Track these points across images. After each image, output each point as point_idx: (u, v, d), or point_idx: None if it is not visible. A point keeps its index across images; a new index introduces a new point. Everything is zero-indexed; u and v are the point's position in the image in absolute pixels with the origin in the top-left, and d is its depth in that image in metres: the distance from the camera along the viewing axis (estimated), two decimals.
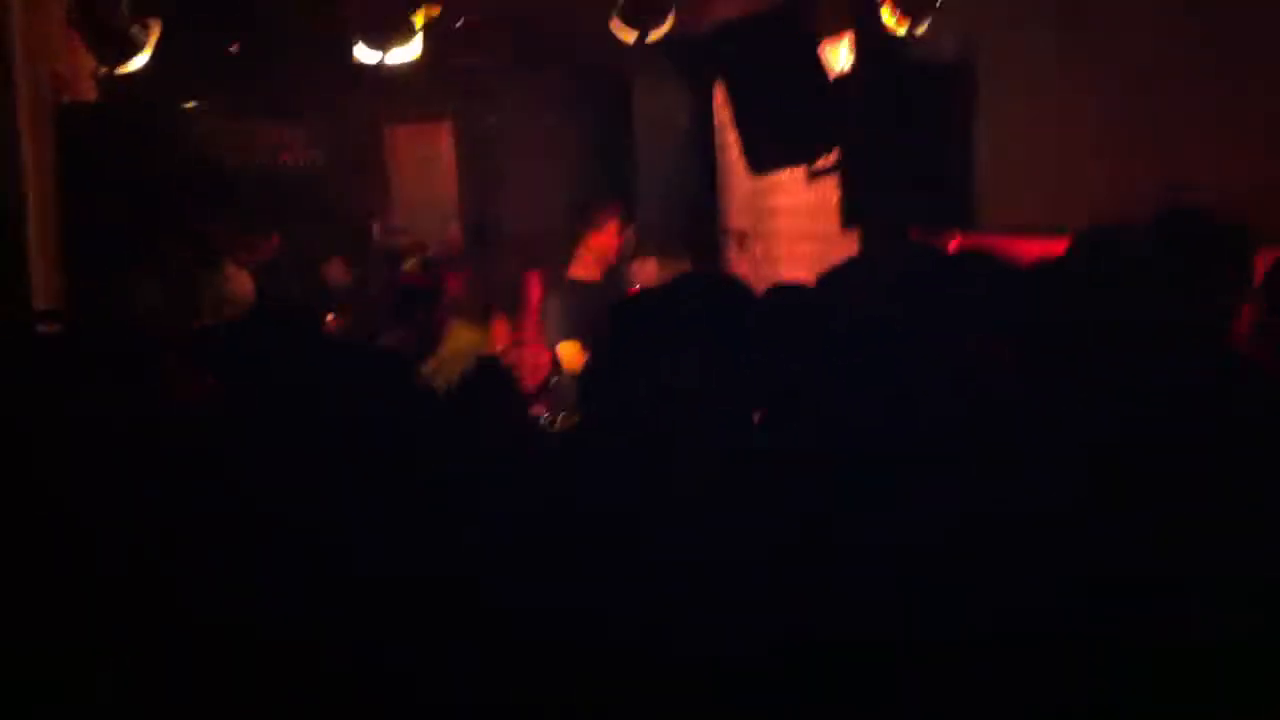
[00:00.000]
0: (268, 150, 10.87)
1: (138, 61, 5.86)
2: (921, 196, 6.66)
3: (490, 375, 3.45)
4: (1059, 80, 6.08)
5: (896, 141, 6.65)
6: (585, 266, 6.50)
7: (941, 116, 6.66)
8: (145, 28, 5.81)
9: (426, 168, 11.32)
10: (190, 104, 6.53)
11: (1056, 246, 4.77)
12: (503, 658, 2.19)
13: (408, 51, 5.98)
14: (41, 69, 5.99)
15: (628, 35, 6.06)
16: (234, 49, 9.19)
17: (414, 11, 5.88)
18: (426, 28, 6.11)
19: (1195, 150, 5.16)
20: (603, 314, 5.99)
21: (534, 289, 7.90)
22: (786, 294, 3.62)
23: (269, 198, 10.16)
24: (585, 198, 6.94)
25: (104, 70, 5.99)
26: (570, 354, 6.25)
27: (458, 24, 8.50)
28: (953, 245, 6.66)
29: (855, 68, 7.67)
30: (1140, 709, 2.04)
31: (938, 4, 6.01)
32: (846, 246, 7.30)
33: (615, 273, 6.64)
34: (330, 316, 6.84)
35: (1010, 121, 6.51)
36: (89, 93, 6.72)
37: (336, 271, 8.98)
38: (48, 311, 5.69)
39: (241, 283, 6.97)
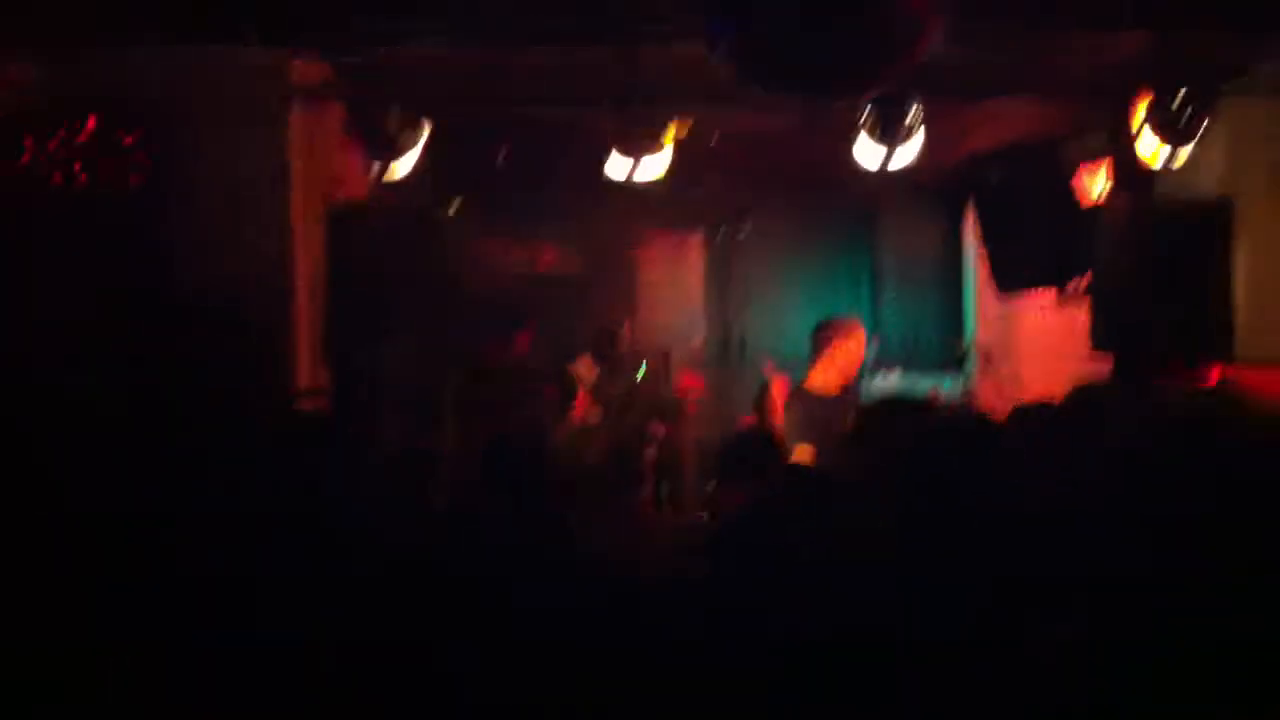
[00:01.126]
0: (526, 254, 11.26)
1: (406, 165, 6.19)
2: (1177, 326, 6.45)
3: None
4: None
5: (1152, 269, 6.46)
6: (824, 379, 6.51)
7: (1200, 248, 6.45)
8: (415, 133, 6.14)
9: (676, 278, 11.53)
10: (452, 209, 6.81)
11: None
12: None
13: (656, 167, 6.14)
14: (318, 169, 6.40)
15: (872, 162, 6.06)
16: (501, 158, 9.65)
17: (664, 129, 6.05)
18: (677, 144, 6.26)
19: None
20: (837, 423, 6.04)
21: (779, 395, 7.91)
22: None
23: (525, 300, 10.55)
24: (828, 314, 6.94)
25: (375, 172, 6.34)
26: (806, 458, 6.25)
27: (711, 142, 8.71)
28: (1213, 377, 6.42)
29: (1110, 194, 7.52)
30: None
31: (1197, 137, 5.82)
32: (1095, 370, 7.11)
33: (851, 386, 6.61)
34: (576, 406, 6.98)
35: (1271, 258, 6.29)
36: (361, 194, 7.14)
37: (584, 369, 9.22)
38: (310, 390, 6.05)
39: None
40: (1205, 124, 5.78)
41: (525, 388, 6.76)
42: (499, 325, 7.58)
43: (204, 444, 3.18)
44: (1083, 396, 4.50)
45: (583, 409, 6.53)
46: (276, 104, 5.91)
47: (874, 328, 10.84)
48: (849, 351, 6.52)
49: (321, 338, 6.43)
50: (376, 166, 6.18)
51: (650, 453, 8.42)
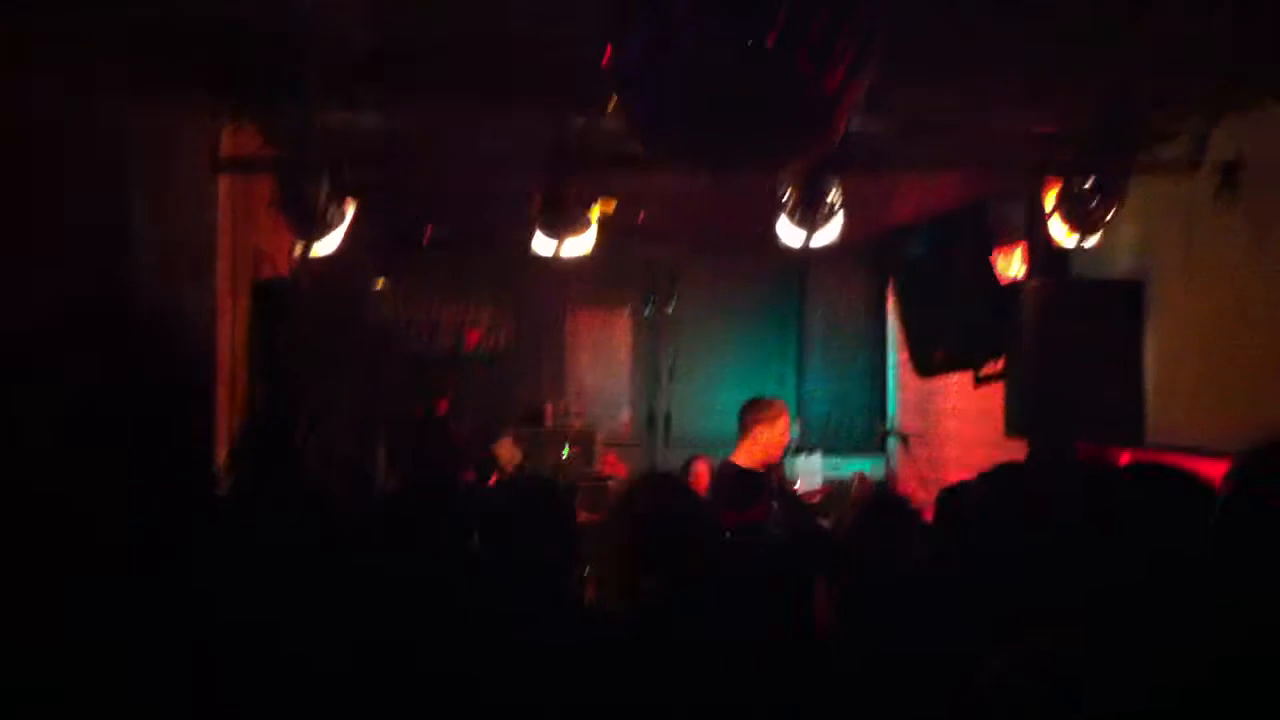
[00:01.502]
0: (452, 331, 11.29)
1: (333, 241, 6.19)
2: (1090, 409, 6.56)
3: None
4: (1233, 301, 6.00)
5: (1065, 352, 6.59)
6: (748, 458, 6.60)
7: (1112, 330, 6.60)
8: (342, 210, 6.15)
9: (602, 354, 11.60)
10: (380, 284, 6.84)
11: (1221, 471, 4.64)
12: None
13: (582, 245, 6.20)
14: (245, 244, 6.40)
15: (794, 241, 6.17)
16: (428, 232, 9.70)
17: (589, 207, 6.11)
18: (602, 222, 6.33)
19: None
20: (758, 502, 6.10)
21: (702, 476, 7.99)
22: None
23: (451, 376, 10.56)
24: (754, 396, 7.04)
25: (302, 249, 6.33)
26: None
27: (639, 219, 8.82)
28: (1122, 461, 6.54)
29: (1026, 277, 7.69)
30: None
31: (1109, 218, 5.99)
32: (1013, 453, 7.22)
33: (775, 466, 6.69)
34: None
35: (1182, 339, 6.42)
36: (286, 269, 7.14)
37: (506, 451, 9.19)
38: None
39: None
40: (1112, 213, 5.95)
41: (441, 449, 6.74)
42: (423, 399, 7.58)
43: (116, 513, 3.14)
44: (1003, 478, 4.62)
45: None
46: (206, 175, 5.90)
47: (798, 408, 10.99)
48: (772, 433, 6.62)
49: (244, 418, 6.40)
50: (303, 241, 6.16)
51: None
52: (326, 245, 6.19)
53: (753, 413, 6.72)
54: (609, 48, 3.23)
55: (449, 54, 5.33)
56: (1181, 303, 6.40)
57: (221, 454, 6.04)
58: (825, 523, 6.74)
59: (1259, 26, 4.63)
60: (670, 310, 10.82)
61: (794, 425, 7.65)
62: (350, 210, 6.24)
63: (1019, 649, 2.45)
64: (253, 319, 6.50)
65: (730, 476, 6.58)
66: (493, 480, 6.41)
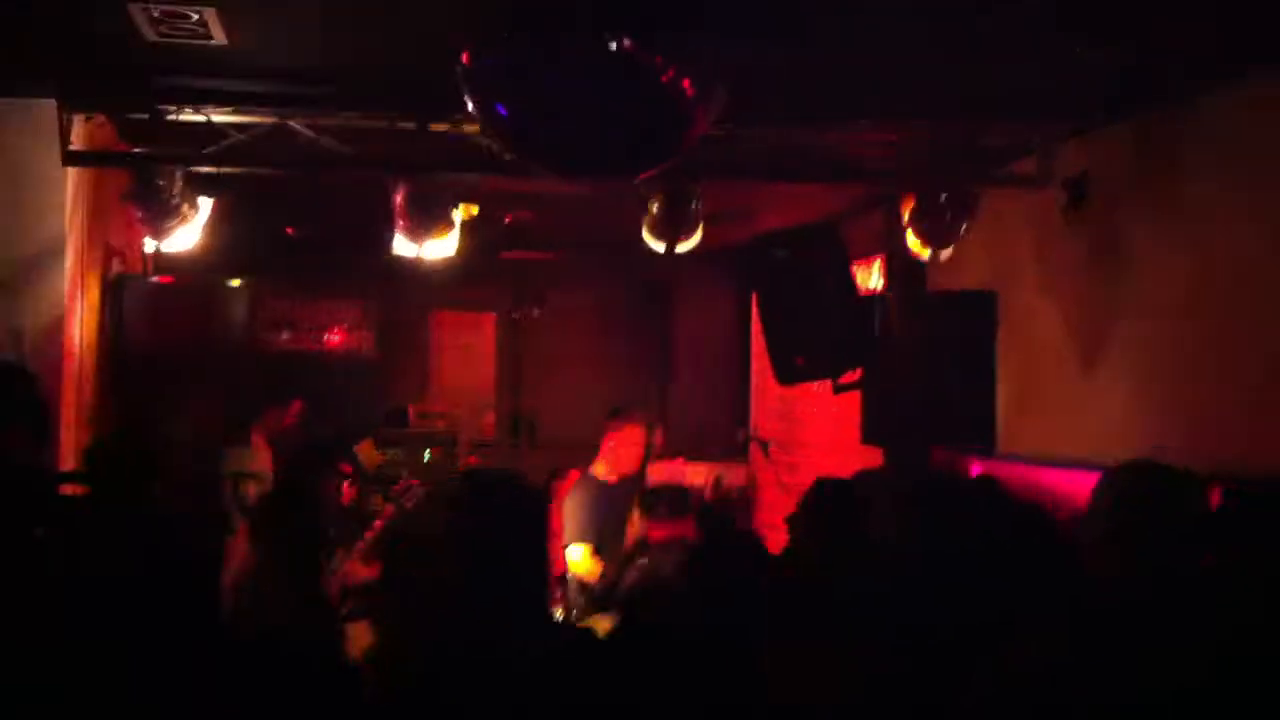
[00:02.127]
0: (313, 330, 11.15)
1: (188, 238, 6.08)
2: (943, 418, 6.70)
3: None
4: (1079, 313, 6.19)
5: (920, 362, 6.72)
6: (606, 467, 6.62)
7: (966, 340, 6.74)
8: (197, 206, 6.04)
9: (467, 356, 11.54)
10: (238, 282, 6.72)
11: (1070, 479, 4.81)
12: None
13: (445, 247, 6.16)
14: (95, 240, 6.24)
15: (658, 245, 6.24)
16: (288, 231, 9.56)
17: (452, 209, 6.08)
18: (469, 225, 6.31)
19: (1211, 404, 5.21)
20: (617, 511, 6.10)
21: (565, 486, 7.98)
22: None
23: (311, 376, 10.41)
24: (617, 403, 7.06)
25: (156, 245, 6.21)
26: (578, 556, 6.33)
27: (507, 220, 8.81)
28: (973, 470, 6.70)
29: (884, 289, 7.84)
30: None
31: (962, 233, 6.14)
32: (868, 460, 7.34)
33: (634, 475, 6.70)
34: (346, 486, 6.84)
35: (1033, 350, 6.60)
36: (138, 266, 6.98)
37: (367, 452, 9.07)
38: (73, 473, 5.81)
39: (262, 459, 7.07)
40: (965, 227, 6.10)
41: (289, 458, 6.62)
42: (278, 399, 7.43)
43: None
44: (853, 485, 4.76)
45: (348, 494, 6.43)
46: (56, 166, 5.75)
47: (662, 414, 11.05)
48: (628, 443, 6.64)
49: (93, 413, 6.23)
50: (158, 236, 6.04)
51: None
52: (182, 241, 6.08)
53: (609, 423, 6.74)
54: (469, 53, 3.24)
55: (319, 59, 5.30)
56: (1032, 314, 6.58)
57: (65, 452, 5.87)
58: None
59: (1107, 51, 4.80)
60: (536, 314, 10.84)
61: (653, 433, 7.70)
62: (206, 206, 6.14)
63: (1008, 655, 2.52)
64: (103, 315, 6.34)
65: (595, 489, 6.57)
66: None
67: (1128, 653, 2.53)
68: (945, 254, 6.22)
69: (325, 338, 11.19)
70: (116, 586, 2.83)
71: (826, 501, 4.50)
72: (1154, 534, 2.83)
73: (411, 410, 10.38)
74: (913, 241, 6.24)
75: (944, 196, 6.03)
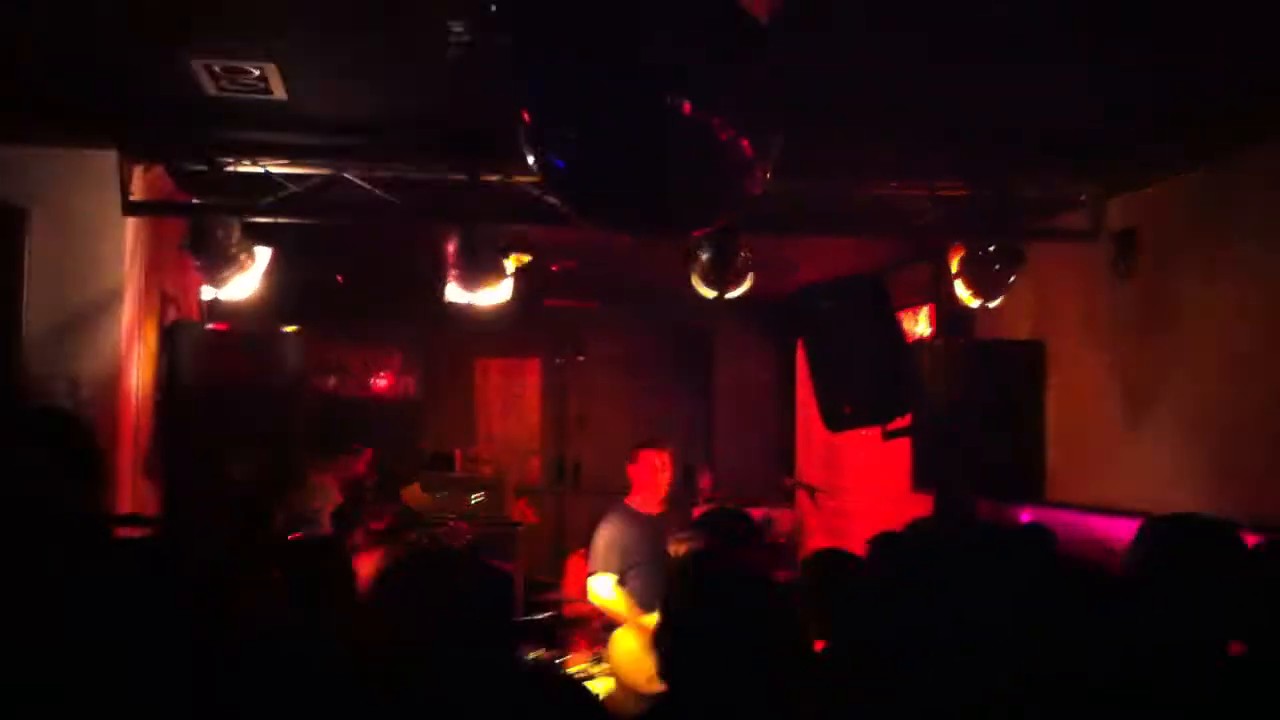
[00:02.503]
0: (360, 375, 11.26)
1: (245, 286, 6.17)
2: (992, 466, 6.70)
3: None
4: (1126, 364, 6.18)
5: (970, 410, 6.73)
6: (639, 499, 6.70)
7: (1014, 389, 6.76)
8: (254, 255, 6.13)
9: (511, 402, 11.61)
10: (292, 329, 6.80)
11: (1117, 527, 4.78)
12: None
13: (497, 294, 6.22)
14: (152, 288, 6.34)
15: (707, 292, 6.29)
16: (338, 279, 9.67)
17: (505, 257, 6.14)
18: (518, 273, 6.36)
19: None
20: (648, 543, 6.13)
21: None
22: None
23: (361, 420, 10.50)
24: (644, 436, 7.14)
25: (213, 293, 6.30)
26: (602, 588, 6.37)
27: (553, 269, 8.88)
28: (1022, 517, 6.68)
29: (932, 337, 7.85)
30: None
31: (1010, 281, 6.15)
32: (918, 508, 7.34)
33: (661, 517, 6.72)
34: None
35: (1080, 399, 6.59)
36: (194, 312, 7.08)
37: (414, 495, 9.13)
38: (131, 516, 5.88)
39: (328, 496, 7.18)
40: (1014, 277, 6.12)
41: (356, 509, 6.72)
42: (335, 444, 7.52)
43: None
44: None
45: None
46: (115, 215, 5.86)
47: (709, 459, 11.08)
48: (649, 469, 6.72)
49: (151, 458, 6.32)
50: (215, 284, 6.13)
51: None
52: (238, 290, 6.17)
53: (633, 453, 6.88)
54: (527, 108, 3.29)
55: (373, 112, 5.40)
56: (1079, 365, 6.58)
57: (123, 496, 5.95)
58: None
59: (1153, 107, 4.83)
60: (581, 360, 10.90)
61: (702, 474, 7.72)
62: (262, 255, 6.23)
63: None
64: (160, 362, 6.44)
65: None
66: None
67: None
68: (994, 304, 6.23)
69: (372, 382, 11.30)
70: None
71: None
72: (1191, 582, 2.85)
73: (458, 454, 10.44)
74: (961, 291, 6.26)
75: (993, 247, 6.05)
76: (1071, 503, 6.30)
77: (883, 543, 4.37)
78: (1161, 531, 3.03)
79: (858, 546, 5.01)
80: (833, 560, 4.52)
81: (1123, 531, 5.40)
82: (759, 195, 3.43)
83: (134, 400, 6.12)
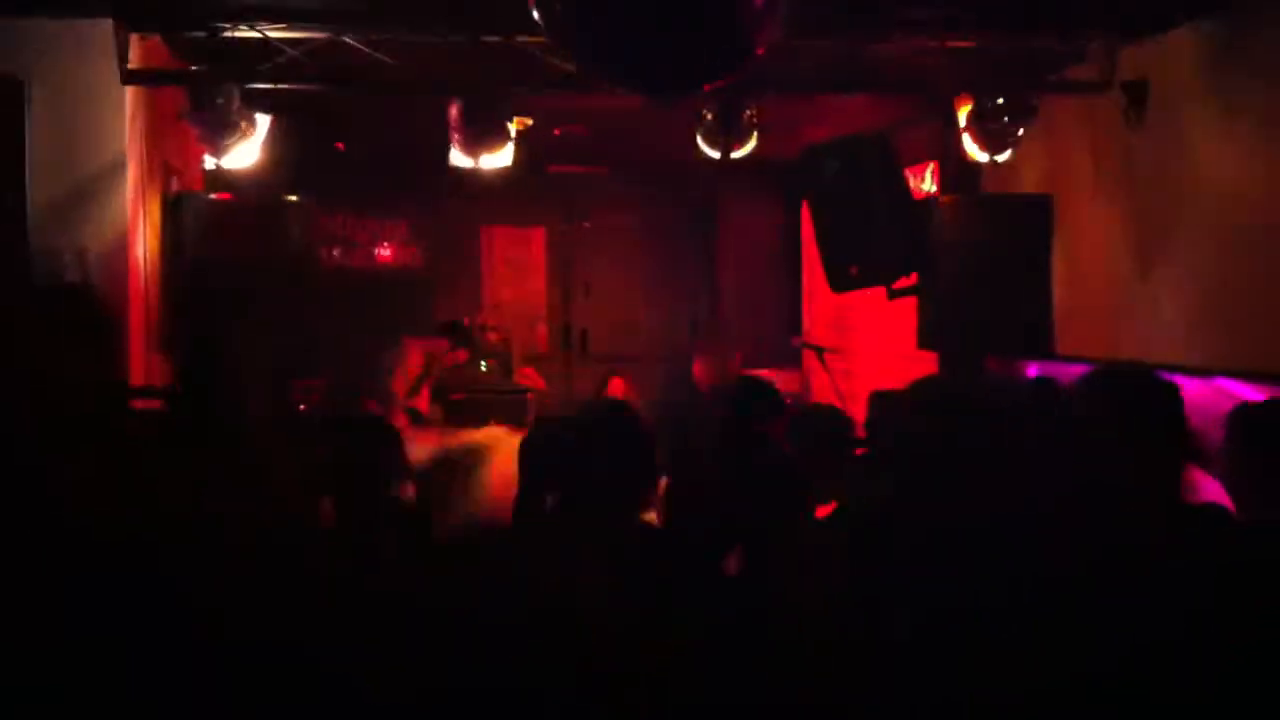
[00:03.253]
0: (364, 246, 11.24)
1: (247, 155, 6.13)
2: (998, 322, 6.70)
3: None
4: (1136, 216, 6.15)
5: (975, 267, 6.71)
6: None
7: (1021, 244, 6.73)
8: (254, 123, 6.09)
9: (518, 270, 11.60)
10: (293, 198, 6.75)
11: None
12: None
13: (500, 158, 6.18)
14: (155, 159, 6.30)
15: (712, 153, 6.24)
16: (339, 147, 9.59)
17: (507, 121, 6.09)
18: (521, 138, 6.32)
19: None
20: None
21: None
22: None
23: (364, 291, 10.51)
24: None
25: (215, 162, 6.26)
26: None
27: (556, 134, 8.80)
28: (1030, 372, 6.71)
29: (937, 194, 7.80)
30: None
31: (1020, 135, 6.10)
32: (924, 367, 7.37)
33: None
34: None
35: (1088, 253, 6.58)
36: (198, 183, 7.04)
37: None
38: (144, 388, 5.93)
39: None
40: (1022, 131, 6.06)
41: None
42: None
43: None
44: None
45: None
46: (114, 86, 5.79)
47: (714, 324, 11.09)
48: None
49: (161, 328, 6.33)
50: (217, 153, 6.09)
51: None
52: (240, 158, 6.14)
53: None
54: None
55: None
56: (1087, 218, 6.55)
57: (134, 369, 5.99)
58: None
59: None
60: (587, 227, 10.86)
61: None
62: (263, 123, 6.18)
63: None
64: (164, 233, 6.41)
65: None
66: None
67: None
68: (1003, 157, 6.18)
69: (376, 253, 11.28)
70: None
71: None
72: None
73: (465, 323, 10.45)
74: (970, 145, 6.21)
75: (1002, 100, 5.99)
76: (1080, 356, 6.31)
77: (882, 399, 4.40)
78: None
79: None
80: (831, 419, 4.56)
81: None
82: (769, 50, 3.39)
83: (141, 272, 6.12)
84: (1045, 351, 6.65)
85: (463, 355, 8.66)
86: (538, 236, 11.56)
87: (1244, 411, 3.19)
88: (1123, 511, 2.69)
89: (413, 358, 7.38)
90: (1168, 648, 2.27)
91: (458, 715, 2.18)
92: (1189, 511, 2.91)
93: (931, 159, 8.12)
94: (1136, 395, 2.97)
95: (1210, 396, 4.81)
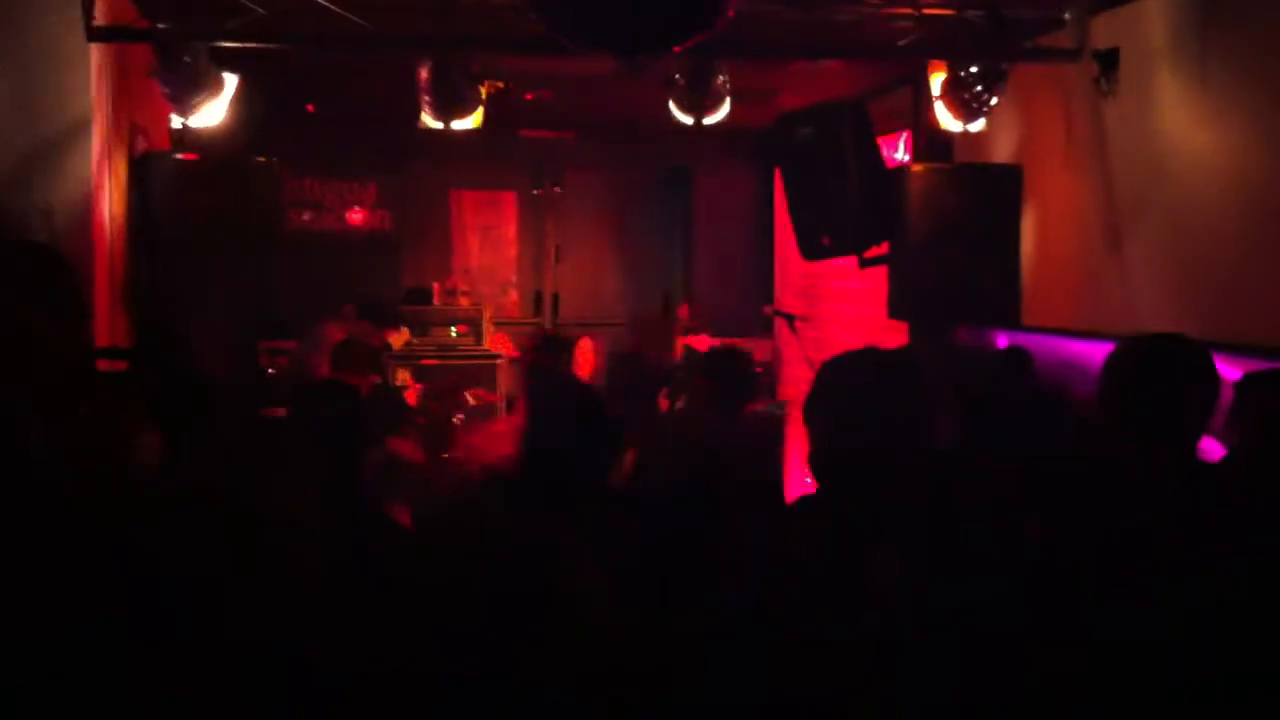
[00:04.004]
0: (334, 209, 11.17)
1: (214, 114, 6.07)
2: (968, 292, 6.72)
3: None
4: (1106, 186, 6.16)
5: (946, 236, 6.72)
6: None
7: (992, 214, 6.74)
8: (222, 82, 6.02)
9: (488, 235, 11.56)
10: (261, 159, 6.69)
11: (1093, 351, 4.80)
12: None
13: (469, 122, 6.14)
14: (121, 118, 6.22)
15: (685, 118, 6.21)
16: (309, 109, 9.51)
17: (478, 83, 6.05)
18: (491, 101, 6.28)
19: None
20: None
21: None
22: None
23: (333, 254, 10.46)
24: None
25: (181, 121, 6.19)
26: None
27: (527, 98, 8.75)
28: (999, 342, 6.73)
29: (909, 163, 7.80)
30: None
31: (993, 104, 6.10)
32: (894, 336, 7.39)
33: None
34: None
35: (1057, 223, 6.59)
36: (164, 143, 6.96)
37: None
38: (109, 349, 5.87)
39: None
40: (995, 99, 6.06)
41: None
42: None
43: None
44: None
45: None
46: (79, 42, 5.71)
47: (686, 289, 11.10)
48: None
49: (127, 289, 6.28)
50: (183, 111, 6.03)
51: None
52: (208, 117, 6.08)
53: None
54: None
55: None
56: (1059, 187, 6.56)
57: (100, 329, 5.93)
58: None
59: None
60: (558, 192, 10.84)
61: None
62: (231, 82, 6.11)
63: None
64: (131, 193, 6.35)
65: None
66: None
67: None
68: (976, 127, 6.18)
69: (347, 216, 11.22)
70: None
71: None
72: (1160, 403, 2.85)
73: (436, 288, 10.42)
74: (942, 114, 6.20)
75: (975, 68, 5.98)
76: (1048, 327, 6.33)
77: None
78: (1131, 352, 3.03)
79: None
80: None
81: (1098, 354, 5.47)
82: (736, 10, 3.37)
83: (107, 233, 6.05)
84: (1014, 321, 6.68)
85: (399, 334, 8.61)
86: (509, 200, 11.52)
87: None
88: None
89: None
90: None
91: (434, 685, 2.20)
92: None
93: (904, 128, 8.11)
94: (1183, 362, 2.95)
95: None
